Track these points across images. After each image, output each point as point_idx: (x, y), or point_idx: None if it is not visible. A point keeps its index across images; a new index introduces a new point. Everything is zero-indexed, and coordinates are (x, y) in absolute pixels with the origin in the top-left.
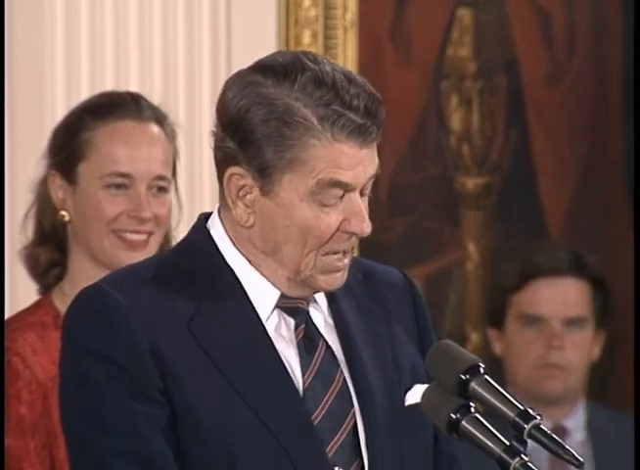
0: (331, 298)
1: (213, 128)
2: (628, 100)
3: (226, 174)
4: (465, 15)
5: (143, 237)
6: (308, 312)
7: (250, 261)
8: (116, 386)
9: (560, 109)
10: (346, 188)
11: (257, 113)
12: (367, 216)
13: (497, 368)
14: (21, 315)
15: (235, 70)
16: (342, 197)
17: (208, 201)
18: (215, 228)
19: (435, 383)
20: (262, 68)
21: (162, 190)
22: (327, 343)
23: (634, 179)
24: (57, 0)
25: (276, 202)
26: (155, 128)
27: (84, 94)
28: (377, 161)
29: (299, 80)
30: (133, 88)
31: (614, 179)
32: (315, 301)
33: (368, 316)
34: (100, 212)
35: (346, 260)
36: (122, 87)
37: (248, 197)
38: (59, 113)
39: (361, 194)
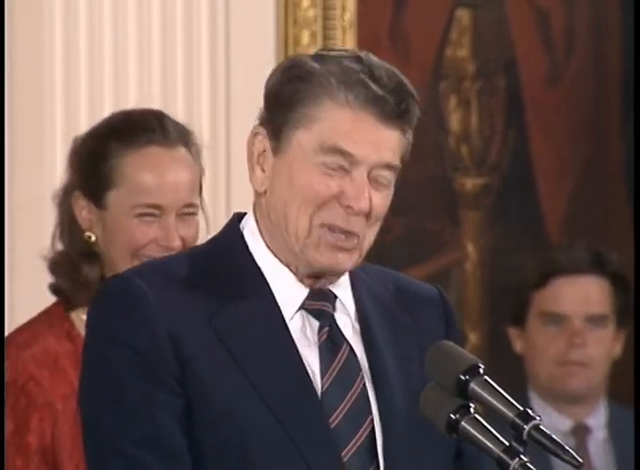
0: (358, 303)
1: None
2: (628, 100)
3: (252, 132)
4: (464, 15)
5: None
6: (333, 316)
7: (274, 255)
8: (135, 372)
9: (559, 109)
10: (350, 159)
11: (283, 77)
12: (367, 195)
13: (500, 367)
14: (33, 325)
15: (234, 70)
16: (348, 170)
17: (208, 203)
18: (249, 227)
19: (435, 383)
20: (321, 54)
21: (191, 215)
22: (351, 347)
23: (634, 179)
24: (56, 1)
25: (284, 161)
26: (181, 152)
27: (83, 95)
28: (398, 151)
29: (342, 57)
30: (132, 90)
31: (613, 179)
32: (343, 304)
33: (396, 326)
34: (130, 240)
35: (348, 243)
36: (121, 89)
37: (266, 163)
38: (57, 114)
39: (376, 181)
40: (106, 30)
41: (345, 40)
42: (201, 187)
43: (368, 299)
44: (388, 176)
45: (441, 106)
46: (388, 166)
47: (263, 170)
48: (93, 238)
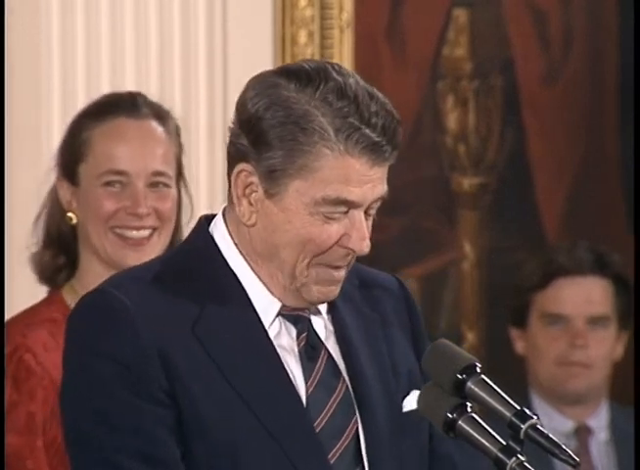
0: (330, 303)
1: (231, 124)
2: (625, 99)
3: (235, 170)
4: (461, 15)
5: (144, 233)
6: (310, 320)
7: (251, 267)
8: (123, 385)
9: (556, 108)
10: (352, 205)
11: (275, 114)
12: (367, 235)
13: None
14: (32, 311)
15: (231, 70)
16: (346, 212)
17: (204, 198)
18: (219, 231)
19: (432, 382)
20: (287, 72)
21: (164, 185)
22: (329, 351)
23: (634, 179)
24: (53, 1)
25: (279, 206)
26: (152, 124)
27: (80, 94)
28: (385, 183)
29: (322, 89)
30: (129, 89)
31: (610, 179)
32: (316, 307)
33: (366, 321)
34: (99, 210)
35: (342, 273)
36: (118, 87)
37: (253, 195)
38: (55, 113)
39: (366, 214)
40: (103, 33)
41: (343, 40)
42: (180, 166)
43: (339, 297)
44: (376, 205)
45: (439, 105)
46: (379, 199)
47: (251, 203)
48: (74, 220)
